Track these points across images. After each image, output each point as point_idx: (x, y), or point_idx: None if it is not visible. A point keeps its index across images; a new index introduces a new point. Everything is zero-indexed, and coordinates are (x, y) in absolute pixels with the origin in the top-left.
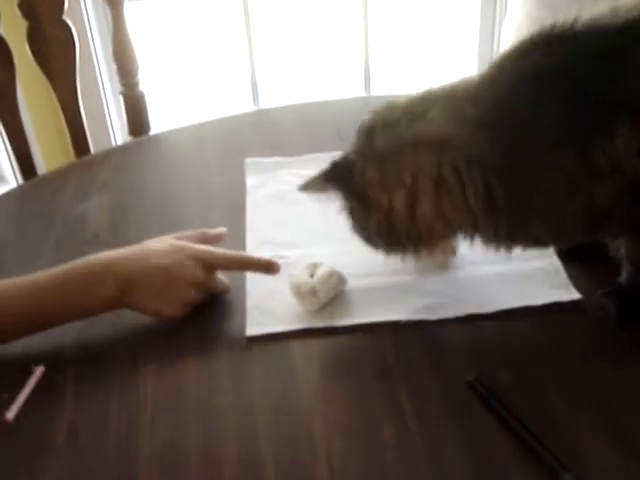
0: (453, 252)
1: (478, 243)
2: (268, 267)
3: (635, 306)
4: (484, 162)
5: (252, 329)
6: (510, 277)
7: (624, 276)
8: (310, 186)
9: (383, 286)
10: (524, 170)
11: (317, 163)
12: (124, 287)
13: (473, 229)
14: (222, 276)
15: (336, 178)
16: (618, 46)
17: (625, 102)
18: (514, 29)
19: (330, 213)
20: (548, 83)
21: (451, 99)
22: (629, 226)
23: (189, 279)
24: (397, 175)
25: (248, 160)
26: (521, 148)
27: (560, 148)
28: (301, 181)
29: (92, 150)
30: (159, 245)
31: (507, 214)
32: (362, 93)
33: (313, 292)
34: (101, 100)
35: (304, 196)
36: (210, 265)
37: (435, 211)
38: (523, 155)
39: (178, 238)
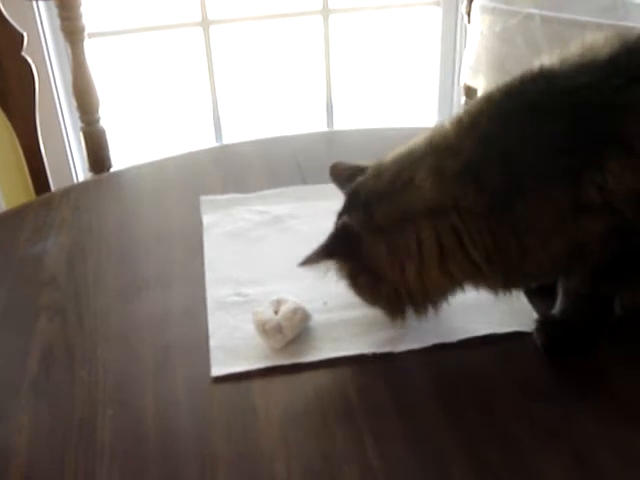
0: None
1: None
2: None
3: (566, 338)
4: (474, 211)
5: (217, 369)
6: (474, 304)
7: (557, 308)
8: (310, 261)
9: (347, 320)
10: (514, 208)
11: (274, 199)
12: None
13: (479, 279)
14: None
15: (341, 251)
16: (608, 81)
17: (618, 138)
18: (472, 60)
19: (289, 249)
20: (542, 118)
21: (432, 156)
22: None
23: None
24: (404, 246)
25: (203, 198)
26: (509, 186)
27: (550, 181)
28: (259, 217)
29: (52, 187)
30: None
31: (501, 258)
32: (324, 128)
33: (279, 329)
34: (62, 136)
35: (262, 232)
36: None
37: (442, 272)
38: (512, 193)
39: None
